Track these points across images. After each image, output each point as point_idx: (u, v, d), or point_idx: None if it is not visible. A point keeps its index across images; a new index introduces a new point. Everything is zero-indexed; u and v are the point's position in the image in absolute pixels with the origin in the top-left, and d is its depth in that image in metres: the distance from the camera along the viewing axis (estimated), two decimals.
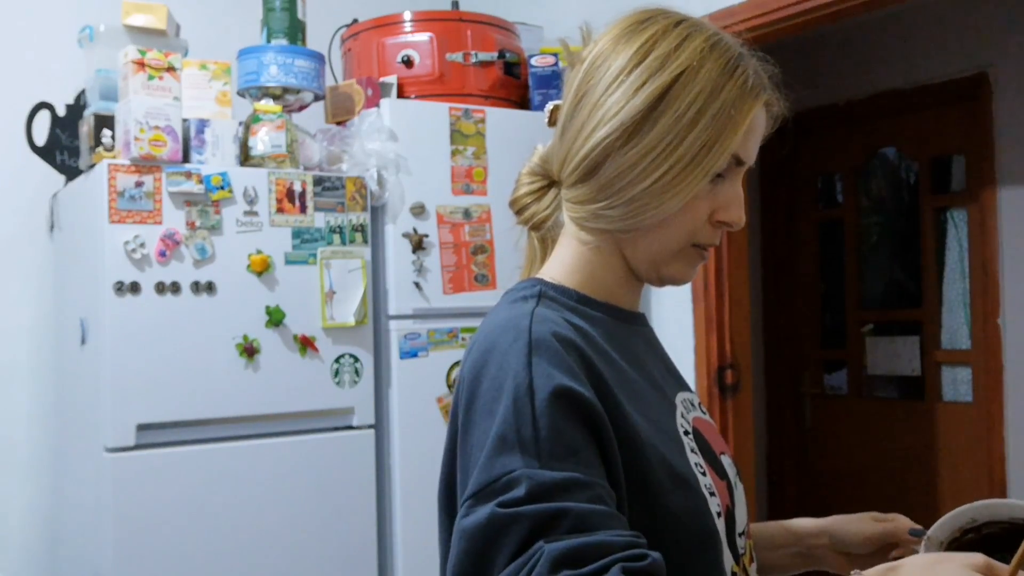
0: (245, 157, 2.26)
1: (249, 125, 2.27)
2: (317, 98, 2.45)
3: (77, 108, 2.42)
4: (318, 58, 2.40)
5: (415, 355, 2.37)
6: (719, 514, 0.87)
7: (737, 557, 0.90)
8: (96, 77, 2.27)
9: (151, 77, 2.09)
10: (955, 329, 3.55)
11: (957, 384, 3.53)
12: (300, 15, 2.43)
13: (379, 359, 2.37)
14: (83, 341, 2.21)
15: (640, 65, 0.87)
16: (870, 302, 3.91)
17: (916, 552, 0.94)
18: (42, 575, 2.60)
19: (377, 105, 2.42)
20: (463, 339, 2.43)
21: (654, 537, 0.76)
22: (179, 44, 2.36)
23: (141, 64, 2.09)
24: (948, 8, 3.39)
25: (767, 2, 2.36)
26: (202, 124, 2.19)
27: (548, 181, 0.96)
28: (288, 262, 2.23)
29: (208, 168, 2.16)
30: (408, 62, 2.53)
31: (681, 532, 0.83)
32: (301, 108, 2.45)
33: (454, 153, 2.46)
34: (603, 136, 0.87)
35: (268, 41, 2.40)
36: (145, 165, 2.08)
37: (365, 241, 2.34)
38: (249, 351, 2.17)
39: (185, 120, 2.17)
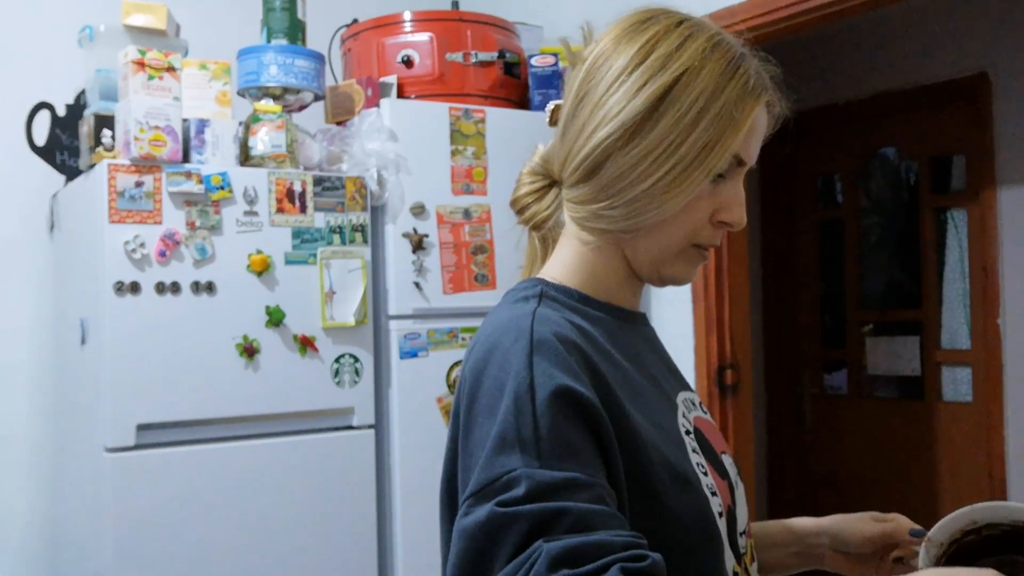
0: (245, 157, 2.26)
1: (249, 125, 2.27)
2: (317, 98, 2.45)
3: (77, 108, 2.42)
4: (318, 58, 2.40)
5: (415, 355, 2.37)
6: (720, 514, 0.87)
7: (738, 557, 0.90)
8: (96, 77, 2.27)
9: (151, 77, 2.09)
10: (955, 329, 3.55)
11: (957, 384, 3.54)
12: (300, 15, 2.43)
13: (379, 359, 2.37)
14: (83, 341, 2.21)
15: (641, 65, 0.87)
16: (870, 302, 3.91)
17: (916, 553, 0.93)
18: (42, 575, 2.60)
19: (377, 105, 2.42)
20: (463, 339, 2.43)
21: (656, 537, 0.76)
22: (179, 44, 2.36)
23: (141, 64, 2.09)
24: (948, 8, 3.39)
25: (767, 2, 2.36)
26: (202, 124, 2.19)
27: (549, 181, 0.96)
28: (288, 262, 2.23)
29: (208, 168, 2.16)
30: (408, 62, 2.53)
31: (683, 532, 0.83)
32: (301, 108, 2.45)
33: (454, 153, 2.46)
34: (604, 136, 0.87)
35: (268, 41, 2.40)
36: (145, 165, 2.08)
37: (365, 241, 2.34)
38: (249, 351, 2.17)
39: (185, 120, 2.17)
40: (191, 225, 2.12)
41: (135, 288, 2.06)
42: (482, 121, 2.50)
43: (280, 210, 2.23)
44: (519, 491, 0.72)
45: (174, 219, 2.11)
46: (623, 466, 0.80)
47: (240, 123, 2.27)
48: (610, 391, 0.82)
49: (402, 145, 2.38)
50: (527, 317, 0.84)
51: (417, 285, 2.39)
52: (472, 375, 0.82)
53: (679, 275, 0.94)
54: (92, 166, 2.17)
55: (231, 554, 2.13)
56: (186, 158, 2.17)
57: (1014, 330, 3.21)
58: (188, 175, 2.12)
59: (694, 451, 0.90)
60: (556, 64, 2.63)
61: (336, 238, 2.30)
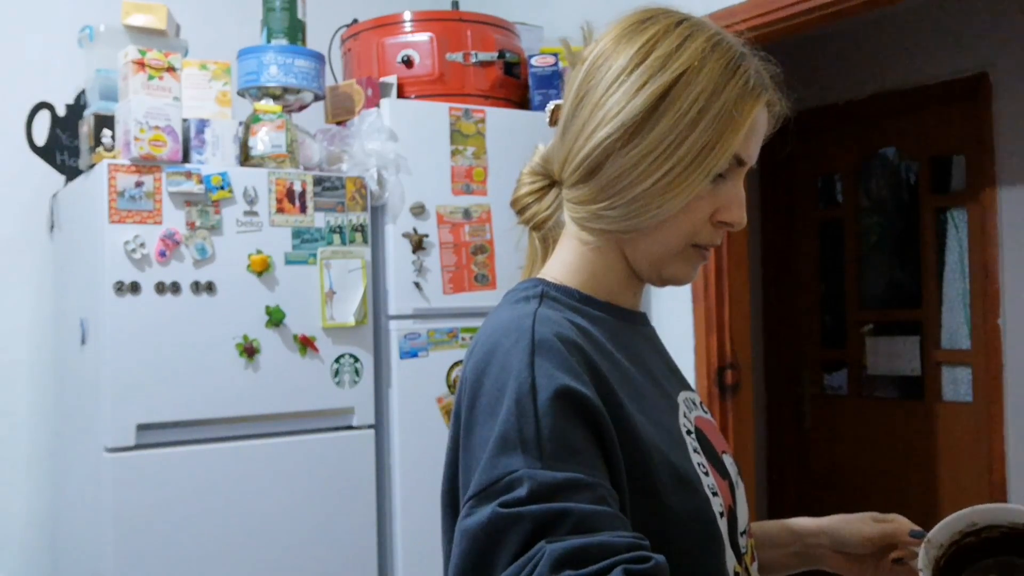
0: (245, 157, 2.26)
1: (249, 125, 2.27)
2: (317, 98, 2.45)
3: (77, 108, 2.42)
4: (318, 58, 2.40)
5: (415, 355, 2.37)
6: (721, 514, 0.87)
7: (739, 556, 0.91)
8: (96, 77, 2.27)
9: (151, 77, 2.09)
10: (955, 329, 3.55)
11: (957, 384, 3.54)
12: (300, 15, 2.43)
13: (379, 359, 2.37)
14: (83, 341, 2.21)
15: (641, 65, 0.87)
16: (870, 302, 3.91)
17: (915, 553, 0.93)
18: (42, 575, 2.60)
19: (377, 105, 2.42)
20: (463, 339, 2.43)
21: (657, 538, 0.76)
22: (179, 44, 2.36)
23: (141, 64, 2.09)
24: (948, 8, 3.39)
25: (767, 2, 2.36)
26: (202, 124, 2.19)
27: (549, 181, 0.96)
28: (288, 262, 2.23)
29: (208, 168, 2.16)
30: (408, 62, 2.53)
31: (684, 533, 0.83)
32: (301, 108, 2.45)
33: (454, 153, 2.46)
34: (604, 136, 0.87)
35: (268, 41, 2.40)
36: (145, 165, 2.08)
37: (365, 241, 2.34)
38: (249, 351, 2.17)
39: (185, 120, 2.17)
40: (191, 225, 2.12)
41: (135, 288, 2.06)
42: (482, 121, 2.50)
43: (280, 210, 2.23)
44: (521, 492, 0.72)
45: (174, 219, 2.11)
46: (624, 466, 0.80)
47: (240, 123, 2.27)
48: (611, 391, 0.82)
49: (402, 145, 2.38)
50: (528, 318, 0.84)
51: (417, 285, 2.39)
52: (473, 376, 0.82)
53: (679, 275, 0.94)
54: (92, 166, 2.17)
55: (231, 554, 2.13)
56: (186, 158, 2.17)
57: (1014, 330, 3.21)
58: (188, 175, 2.12)
59: (695, 451, 0.90)
60: (556, 64, 2.63)
61: (336, 238, 2.30)
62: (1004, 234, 3.24)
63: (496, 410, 0.78)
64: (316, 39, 2.56)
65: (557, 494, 0.72)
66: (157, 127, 2.08)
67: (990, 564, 0.90)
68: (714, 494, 0.87)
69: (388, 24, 2.59)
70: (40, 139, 2.42)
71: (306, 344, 2.24)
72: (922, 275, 3.65)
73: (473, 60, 2.56)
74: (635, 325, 0.97)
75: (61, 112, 2.43)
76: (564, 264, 0.94)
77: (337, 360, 2.29)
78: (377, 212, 2.40)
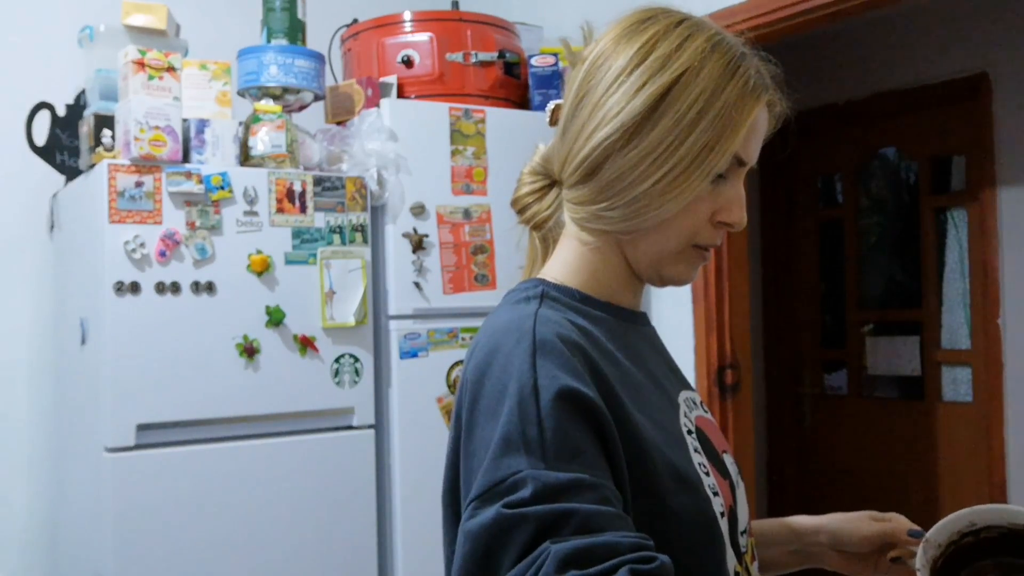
0: (245, 157, 2.26)
1: (249, 125, 2.27)
2: (317, 98, 2.45)
3: (77, 108, 2.42)
4: (318, 58, 2.40)
5: (415, 355, 2.37)
6: (722, 514, 0.87)
7: (739, 556, 0.91)
8: (96, 77, 2.27)
9: (151, 77, 2.09)
10: (955, 329, 3.55)
11: (957, 384, 3.54)
12: (300, 15, 2.43)
13: (379, 359, 2.37)
14: (83, 341, 2.21)
15: (641, 65, 0.87)
16: (870, 302, 3.91)
17: (914, 553, 0.94)
18: (42, 575, 2.60)
19: (377, 105, 2.42)
20: (463, 339, 2.43)
21: (658, 538, 0.76)
22: (179, 44, 2.36)
23: (141, 64, 2.09)
24: (948, 8, 3.39)
25: (767, 2, 2.36)
26: (202, 124, 2.19)
27: (550, 181, 0.96)
28: (288, 262, 2.23)
29: (208, 168, 2.15)
30: (408, 62, 2.53)
31: (685, 533, 0.83)
32: (301, 108, 2.45)
33: (454, 153, 2.46)
34: (603, 137, 0.87)
35: (268, 41, 2.40)
36: (145, 165, 2.08)
37: (365, 241, 2.34)
38: (249, 351, 2.17)
39: (185, 120, 2.17)
40: (191, 225, 2.12)
41: (135, 288, 2.06)
42: (482, 121, 2.50)
43: (280, 210, 2.23)
44: (526, 492, 0.72)
45: (174, 219, 2.11)
46: (626, 466, 0.80)
47: (240, 123, 2.27)
48: (612, 392, 0.82)
49: (402, 145, 2.38)
50: (529, 318, 0.84)
51: (417, 285, 2.39)
52: (474, 377, 0.82)
53: (679, 275, 0.94)
54: (92, 166, 2.17)
55: (231, 554, 2.13)
56: (186, 158, 2.17)
57: (1014, 330, 3.21)
58: (188, 175, 2.12)
59: (696, 451, 0.90)
60: (556, 64, 2.63)
61: (336, 238, 2.30)
62: (1004, 234, 3.24)
63: (497, 411, 0.77)
64: (316, 39, 2.56)
65: (561, 495, 0.72)
66: (157, 127, 2.08)
67: (988, 565, 0.90)
68: (715, 494, 0.87)
69: (388, 24, 2.59)
70: (40, 139, 2.42)
71: (306, 344, 2.24)
72: (922, 275, 3.65)
73: (473, 60, 2.56)
74: (635, 325, 0.97)
75: (61, 112, 2.43)
76: (564, 264, 0.94)
77: (337, 360, 2.29)
78: (377, 212, 2.40)
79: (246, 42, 2.44)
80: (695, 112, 0.85)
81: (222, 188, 2.15)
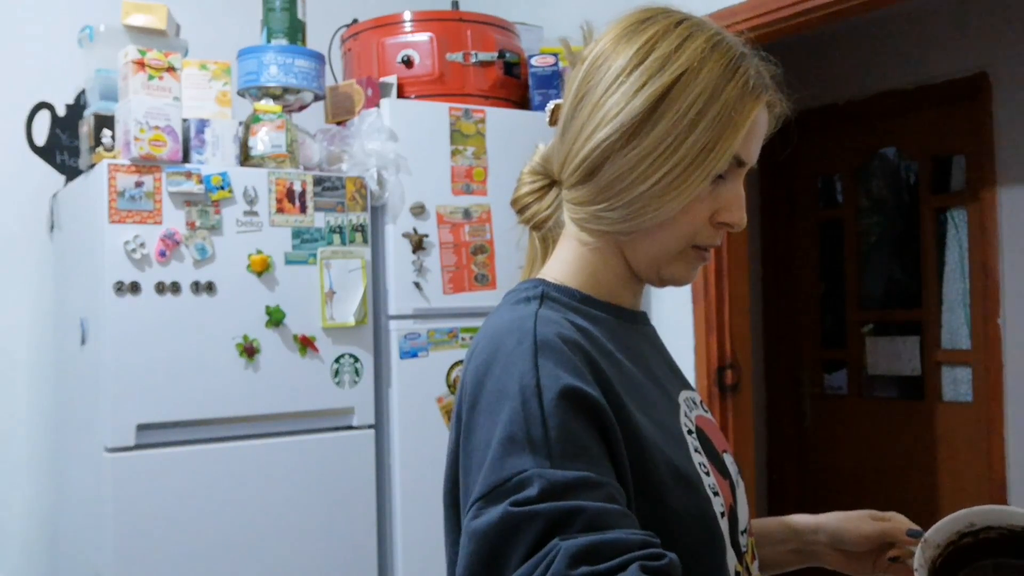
0: (245, 157, 2.26)
1: (249, 125, 2.27)
2: (317, 98, 2.45)
3: (77, 108, 2.42)
4: (318, 58, 2.40)
5: (415, 355, 2.37)
6: (723, 514, 0.87)
7: (740, 555, 0.91)
8: (96, 77, 2.27)
9: (151, 77, 2.09)
10: (955, 329, 3.55)
11: (957, 384, 3.54)
12: (300, 15, 2.43)
13: (379, 359, 2.37)
14: (83, 341, 2.21)
15: (640, 66, 0.87)
16: (870, 302, 3.91)
17: (913, 553, 0.94)
18: (42, 575, 2.60)
19: (377, 105, 2.42)
20: (463, 339, 2.43)
21: (658, 537, 0.76)
22: (179, 44, 2.36)
23: (141, 64, 2.09)
24: (948, 8, 3.39)
25: (767, 2, 2.36)
26: (202, 124, 2.19)
27: (549, 181, 0.96)
28: (288, 262, 2.23)
29: (208, 168, 2.16)
30: (408, 62, 2.53)
31: (685, 533, 0.83)
32: (301, 108, 2.45)
33: (454, 153, 2.46)
34: (603, 138, 0.87)
35: (268, 41, 2.40)
36: (145, 165, 2.08)
37: (365, 241, 2.34)
38: (249, 351, 2.17)
39: (185, 120, 2.17)
40: (191, 225, 2.12)
41: (135, 288, 2.06)
42: (482, 121, 2.50)
43: (280, 210, 2.23)
44: (532, 491, 0.72)
45: (174, 219, 2.11)
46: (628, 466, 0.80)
47: (240, 123, 2.27)
48: (614, 392, 0.82)
49: (402, 145, 2.38)
50: (529, 319, 0.84)
51: (417, 285, 2.39)
52: (474, 377, 0.82)
53: (679, 276, 0.94)
54: (92, 166, 2.17)
55: (231, 554, 2.13)
56: (186, 158, 2.17)
57: (1014, 330, 3.21)
58: (188, 175, 2.12)
59: (696, 451, 0.90)
60: (556, 64, 2.63)
61: (336, 238, 2.30)
62: (1004, 234, 3.24)
63: (499, 411, 0.77)
64: (316, 39, 2.56)
65: (568, 492, 0.72)
66: (157, 127, 2.08)
67: (987, 565, 0.90)
68: (715, 493, 0.87)
69: (388, 24, 2.59)
70: (40, 139, 2.42)
71: (306, 344, 2.24)
72: (922, 275, 3.65)
73: (473, 60, 2.56)
74: (635, 325, 0.97)
75: (61, 112, 2.43)
76: (564, 264, 0.94)
77: (337, 360, 2.29)
78: (377, 212, 2.40)
79: (246, 42, 2.44)
80: (695, 112, 0.85)
81: (222, 188, 2.15)
